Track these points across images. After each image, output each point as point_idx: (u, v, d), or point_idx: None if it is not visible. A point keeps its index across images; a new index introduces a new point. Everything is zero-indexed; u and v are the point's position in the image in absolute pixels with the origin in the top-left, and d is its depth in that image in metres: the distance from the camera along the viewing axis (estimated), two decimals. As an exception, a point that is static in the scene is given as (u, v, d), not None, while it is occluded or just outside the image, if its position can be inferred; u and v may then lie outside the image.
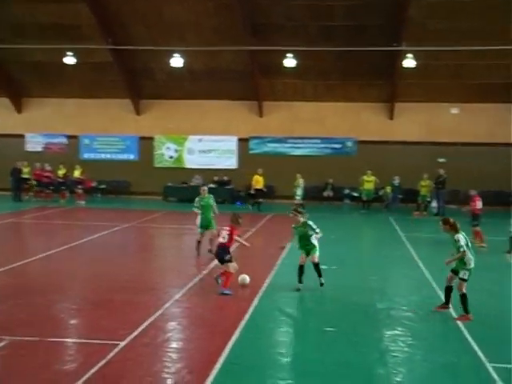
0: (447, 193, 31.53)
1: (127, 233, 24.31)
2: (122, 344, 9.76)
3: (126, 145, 36.15)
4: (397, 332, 11.54)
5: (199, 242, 18.21)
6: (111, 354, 9.32)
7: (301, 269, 14.49)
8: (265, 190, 32.05)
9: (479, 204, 21.48)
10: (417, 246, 21.19)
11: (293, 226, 15.11)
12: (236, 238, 15.11)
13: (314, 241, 14.69)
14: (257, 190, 31.62)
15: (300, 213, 15.31)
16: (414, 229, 25.19)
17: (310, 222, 14.75)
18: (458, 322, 12.03)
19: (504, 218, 27.11)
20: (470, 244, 13.11)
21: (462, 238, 12.76)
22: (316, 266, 14.69)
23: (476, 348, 10.41)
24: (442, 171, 31.29)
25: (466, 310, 12.71)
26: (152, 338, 10.40)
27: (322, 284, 14.55)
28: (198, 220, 18.32)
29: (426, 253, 20.12)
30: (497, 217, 28.12)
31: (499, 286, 15.70)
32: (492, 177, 32.13)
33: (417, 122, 34.56)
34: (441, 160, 33.21)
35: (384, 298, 14.30)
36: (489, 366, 9.51)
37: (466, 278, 12.71)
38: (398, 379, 9.05)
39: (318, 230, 14.62)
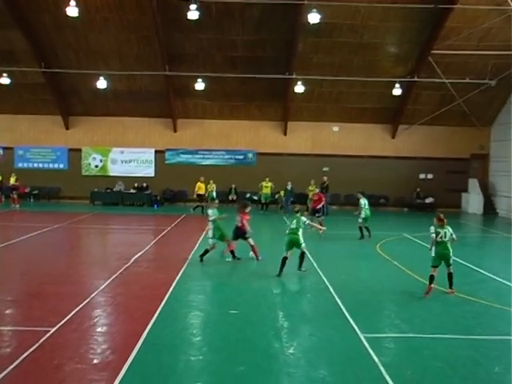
0: (330, 196, 33.54)
1: (57, 232, 24.13)
2: (53, 330, 10.00)
3: (57, 155, 36.32)
4: (289, 312, 12.24)
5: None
6: (42, 340, 9.57)
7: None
8: (206, 195, 32.07)
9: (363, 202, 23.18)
10: (306, 241, 20.94)
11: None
12: (309, 222, 17.89)
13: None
14: (198, 195, 32.20)
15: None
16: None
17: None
18: (339, 302, 12.95)
19: (376, 216, 31.19)
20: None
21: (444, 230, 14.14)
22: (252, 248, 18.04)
23: (352, 322, 11.28)
24: (325, 178, 33.27)
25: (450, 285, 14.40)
26: (79, 324, 10.60)
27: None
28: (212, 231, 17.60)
29: (312, 246, 19.89)
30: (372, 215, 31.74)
31: (368, 271, 17.15)
32: (365, 182, 34.36)
33: (305, 138, 36.90)
34: (325, 169, 35.51)
35: (279, 283, 15.02)
36: (362, 336, 10.41)
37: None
38: (291, 351, 9.68)
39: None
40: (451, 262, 13.96)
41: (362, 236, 22.81)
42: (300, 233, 16.10)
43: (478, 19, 29.06)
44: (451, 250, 13.97)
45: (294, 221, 16.23)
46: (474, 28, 29.53)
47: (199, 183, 32.58)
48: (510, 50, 30.37)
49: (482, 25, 29.28)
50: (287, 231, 16.24)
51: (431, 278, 13.85)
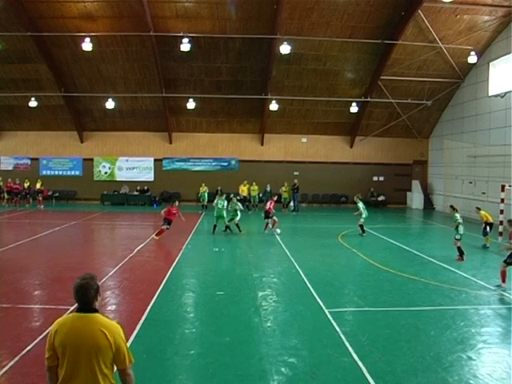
0: (300, 195, 34.10)
1: (74, 228, 24.08)
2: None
3: (73, 164, 36.38)
4: (267, 292, 12.31)
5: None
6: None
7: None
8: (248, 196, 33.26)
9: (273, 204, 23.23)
10: (281, 234, 21.95)
11: (229, 207, 21.30)
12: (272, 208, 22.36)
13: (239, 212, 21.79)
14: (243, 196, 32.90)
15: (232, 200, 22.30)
16: (279, 221, 23.82)
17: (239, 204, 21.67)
18: (307, 283, 13.14)
19: (336, 211, 31.51)
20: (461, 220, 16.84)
21: (458, 216, 16.98)
22: (236, 224, 21.30)
23: (318, 300, 11.49)
24: (296, 181, 33.43)
25: (461, 254, 16.60)
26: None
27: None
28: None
29: (286, 238, 20.99)
30: (332, 211, 31.23)
31: (331, 257, 17.12)
32: (329, 184, 36.02)
33: (279, 147, 36.86)
34: (295, 173, 35.76)
35: (258, 269, 15.04)
36: (326, 311, 10.60)
37: (458, 238, 16.68)
38: (268, 324, 9.83)
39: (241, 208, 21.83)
40: None
41: (364, 232, 22.03)
42: (224, 212, 21.42)
43: (415, 53, 29.84)
44: None
45: (225, 202, 21.68)
46: (413, 59, 30.30)
47: (242, 186, 33.81)
48: (441, 78, 31.72)
49: (419, 57, 30.10)
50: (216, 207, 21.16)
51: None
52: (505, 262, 12.86)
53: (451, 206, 18.29)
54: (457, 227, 16.99)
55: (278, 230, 22.00)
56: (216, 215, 21.91)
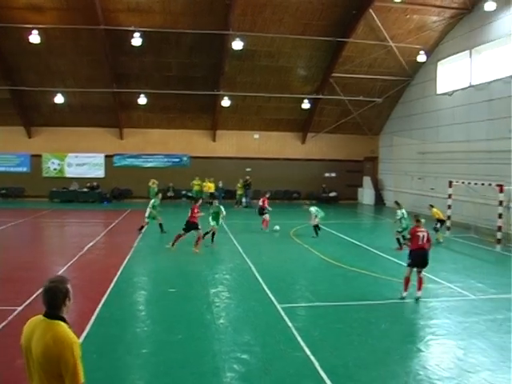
0: (252, 192, 34.15)
1: (22, 226, 23.56)
2: (19, 309, 9.87)
3: (21, 160, 35.40)
4: (219, 289, 12.31)
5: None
6: (10, 317, 9.43)
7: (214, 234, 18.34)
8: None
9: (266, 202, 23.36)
10: (233, 230, 22.10)
11: (211, 210, 18.53)
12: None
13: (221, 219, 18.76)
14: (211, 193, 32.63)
15: (211, 203, 19.56)
16: (232, 217, 24.57)
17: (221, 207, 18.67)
18: (259, 280, 13.14)
19: (289, 207, 31.67)
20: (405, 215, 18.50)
21: (400, 212, 18.73)
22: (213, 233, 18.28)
23: (270, 295, 11.58)
24: (248, 177, 34.08)
25: (400, 245, 18.08)
26: (41, 304, 10.55)
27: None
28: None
29: (239, 234, 20.97)
30: (284, 207, 31.24)
31: (283, 253, 17.33)
32: (281, 180, 35.95)
33: (231, 144, 36.85)
34: (247, 169, 35.83)
35: (210, 266, 14.93)
36: (278, 307, 10.69)
37: (399, 230, 18.33)
38: (220, 321, 9.85)
39: (224, 212, 18.64)
40: None
41: (317, 233, 20.90)
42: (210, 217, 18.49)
43: (366, 50, 30.32)
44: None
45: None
46: (364, 57, 30.74)
47: (194, 181, 33.83)
48: (392, 76, 32.31)
49: (370, 55, 30.60)
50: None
51: None
52: (408, 265, 11.81)
53: (396, 202, 20.55)
54: (400, 221, 18.68)
55: (277, 227, 22.34)
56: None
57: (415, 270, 11.76)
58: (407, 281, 11.68)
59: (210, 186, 34.18)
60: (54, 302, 4.02)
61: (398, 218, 18.71)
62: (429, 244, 11.91)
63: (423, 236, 11.75)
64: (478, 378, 7.56)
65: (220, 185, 34.52)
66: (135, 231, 20.88)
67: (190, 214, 17.55)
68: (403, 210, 18.92)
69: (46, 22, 26.88)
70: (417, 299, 11.56)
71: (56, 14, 26.75)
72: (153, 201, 21.13)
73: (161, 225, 20.96)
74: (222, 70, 30.84)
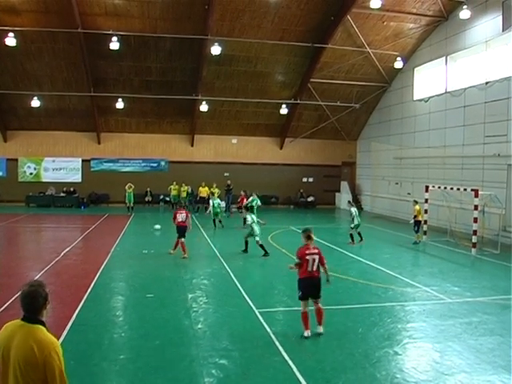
0: (232, 196, 33.06)
1: None
2: None
3: None
4: (197, 294, 12.26)
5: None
6: None
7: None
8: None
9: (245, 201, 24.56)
10: (210, 234, 22.52)
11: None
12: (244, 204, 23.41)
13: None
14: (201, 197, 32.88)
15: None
16: (209, 222, 25.41)
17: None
18: (238, 284, 13.13)
19: (267, 212, 31.58)
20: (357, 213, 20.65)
21: (353, 210, 20.87)
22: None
23: (248, 300, 11.59)
24: (229, 182, 33.52)
25: (352, 240, 20.24)
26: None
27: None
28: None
29: (216, 238, 21.16)
30: (262, 212, 31.92)
31: (261, 258, 17.20)
32: (259, 185, 34.30)
33: (209, 148, 36.95)
34: (226, 174, 35.69)
35: (188, 270, 15.05)
36: (256, 311, 10.69)
37: (352, 226, 20.61)
38: (198, 326, 9.79)
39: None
40: None
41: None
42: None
43: (344, 57, 30.65)
44: None
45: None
46: (342, 63, 31.09)
47: (200, 188, 33.28)
48: (369, 82, 32.66)
49: (348, 61, 30.95)
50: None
51: None
52: (300, 298, 9.46)
53: (348, 202, 23.30)
54: (353, 219, 20.79)
55: (158, 226, 23.96)
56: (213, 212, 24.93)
57: (310, 300, 9.51)
58: (305, 316, 9.33)
59: (201, 191, 33.40)
60: (35, 306, 3.99)
61: (353, 216, 20.79)
62: (324, 268, 9.57)
63: (313, 260, 9.33)
64: (454, 380, 7.64)
65: (189, 190, 34.25)
66: (112, 236, 20.78)
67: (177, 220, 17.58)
68: (355, 209, 21.34)
69: (22, 25, 26.69)
70: (319, 335, 9.40)
71: (33, 16, 26.51)
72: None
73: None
74: (200, 74, 30.91)
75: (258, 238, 17.76)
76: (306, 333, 9.27)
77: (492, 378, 7.74)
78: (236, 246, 19.62)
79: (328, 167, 38.50)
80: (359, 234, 21.03)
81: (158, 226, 23.78)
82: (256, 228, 17.88)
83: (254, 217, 18.35)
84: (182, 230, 17.27)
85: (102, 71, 30.92)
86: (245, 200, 25.32)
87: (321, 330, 9.47)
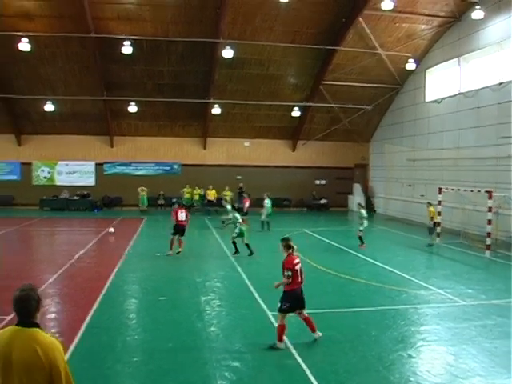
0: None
1: (12, 234, 23.35)
2: (9, 318, 9.35)
3: (11, 168, 35.14)
4: (210, 297, 12.27)
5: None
6: (0, 325, 8.87)
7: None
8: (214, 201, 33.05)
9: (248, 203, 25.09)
10: (222, 236, 22.07)
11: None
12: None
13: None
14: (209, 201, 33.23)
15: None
16: (221, 224, 24.99)
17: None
18: (250, 287, 13.13)
19: (280, 215, 31.56)
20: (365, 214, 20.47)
21: (364, 212, 20.68)
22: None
23: (261, 302, 11.58)
24: (241, 184, 34.00)
25: (362, 243, 19.97)
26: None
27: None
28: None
29: (229, 242, 19.05)
30: (274, 214, 31.73)
31: (273, 261, 15.53)
32: (271, 188, 33.95)
33: (221, 151, 36.93)
34: (238, 177, 35.62)
35: (201, 273, 15.03)
36: (269, 314, 10.62)
37: (361, 229, 20.32)
38: (212, 329, 9.82)
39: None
40: None
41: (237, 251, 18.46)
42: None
43: (356, 58, 30.48)
44: None
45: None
46: (353, 65, 30.90)
47: (208, 191, 33.42)
48: (381, 83, 32.49)
49: (360, 63, 30.72)
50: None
51: None
52: (283, 311, 8.88)
53: (359, 204, 22.88)
54: (362, 222, 20.65)
55: (112, 229, 23.26)
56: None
57: (292, 314, 9.11)
58: (282, 329, 8.83)
59: (209, 193, 33.51)
60: (28, 309, 4.00)
61: (363, 217, 20.70)
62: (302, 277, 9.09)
63: (300, 269, 8.99)
64: (468, 383, 7.58)
65: (202, 193, 34.16)
66: (125, 239, 20.80)
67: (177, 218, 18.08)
68: (365, 211, 21.29)
69: (36, 30, 26.87)
70: (315, 340, 9.22)
71: (46, 21, 26.72)
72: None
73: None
74: (212, 77, 30.92)
75: (239, 238, 18.23)
76: (280, 344, 8.79)
77: (507, 381, 7.67)
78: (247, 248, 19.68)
79: (340, 169, 38.36)
80: (360, 238, 20.73)
81: (112, 230, 23.62)
82: (238, 228, 18.19)
83: (237, 216, 18.49)
84: (181, 228, 17.92)
85: (115, 75, 31.07)
86: (247, 202, 25.36)
87: (319, 334, 9.26)
